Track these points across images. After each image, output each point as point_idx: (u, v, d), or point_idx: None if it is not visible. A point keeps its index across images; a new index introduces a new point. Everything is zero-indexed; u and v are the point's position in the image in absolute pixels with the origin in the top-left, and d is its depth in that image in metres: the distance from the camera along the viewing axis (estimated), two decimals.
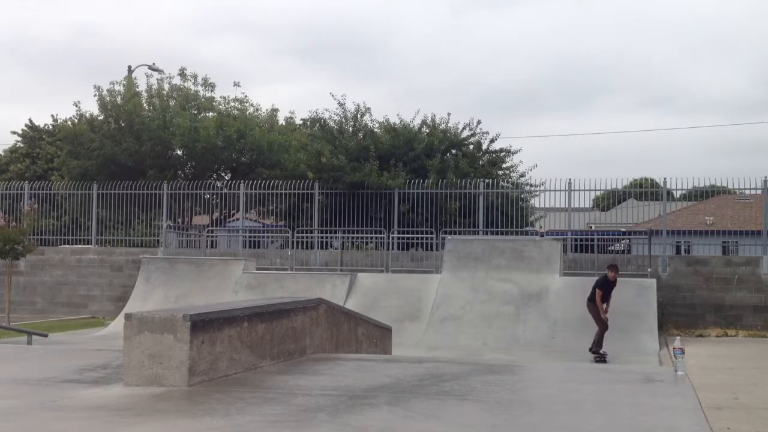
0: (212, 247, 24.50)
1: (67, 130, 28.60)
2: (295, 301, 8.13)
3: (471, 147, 26.89)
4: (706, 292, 19.87)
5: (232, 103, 29.03)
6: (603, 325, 14.77)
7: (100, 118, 27.89)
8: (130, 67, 35.20)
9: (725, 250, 24.47)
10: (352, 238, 24.39)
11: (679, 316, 19.46)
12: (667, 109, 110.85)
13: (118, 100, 27.68)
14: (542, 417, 5.24)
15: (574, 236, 22.59)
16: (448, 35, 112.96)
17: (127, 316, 6.20)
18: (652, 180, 34.85)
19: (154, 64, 34.33)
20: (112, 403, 5.45)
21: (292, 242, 22.54)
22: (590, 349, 14.65)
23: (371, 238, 23.77)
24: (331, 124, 27.93)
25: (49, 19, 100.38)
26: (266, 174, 25.82)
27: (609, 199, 27.96)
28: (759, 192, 21.38)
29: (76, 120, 28.67)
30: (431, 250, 22.62)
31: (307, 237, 23.43)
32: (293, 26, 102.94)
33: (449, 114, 41.35)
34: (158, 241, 24.34)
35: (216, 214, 28.08)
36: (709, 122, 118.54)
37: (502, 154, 27.34)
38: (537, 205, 24.79)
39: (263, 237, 27.37)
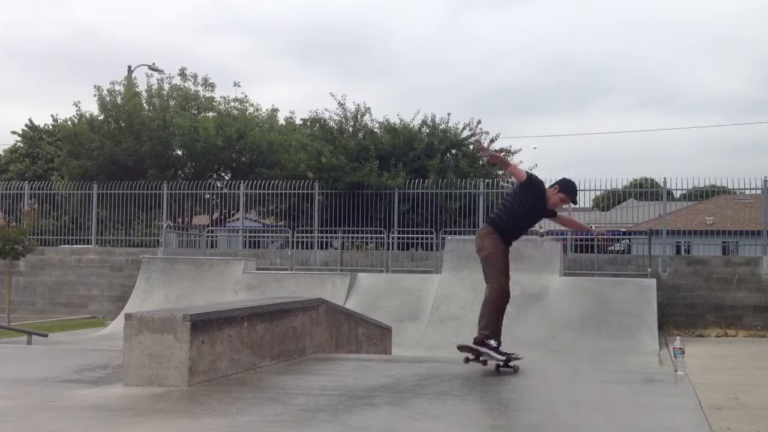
0: (212, 247, 24.51)
1: (67, 130, 28.60)
2: (295, 301, 8.13)
3: (471, 147, 26.91)
4: (706, 292, 19.87)
5: (232, 103, 29.05)
6: (498, 291, 7.08)
7: (100, 118, 27.90)
8: (130, 67, 35.24)
9: (725, 250, 24.48)
10: (352, 238, 24.40)
11: (679, 316, 19.46)
12: (667, 109, 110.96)
13: (118, 100, 27.68)
14: (542, 417, 5.24)
15: (574, 236, 22.60)
16: (448, 35, 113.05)
17: (127, 316, 6.19)
18: (652, 180, 34.86)
19: (154, 64, 34.36)
20: (112, 403, 5.44)
21: (292, 242, 22.54)
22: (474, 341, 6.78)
23: (371, 238, 23.77)
24: (331, 124, 27.95)
25: (48, 19, 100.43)
26: (266, 174, 25.83)
27: (609, 199, 27.95)
28: (759, 192, 21.38)
29: (76, 120, 28.67)
30: (431, 250, 22.62)
31: (307, 237, 23.43)
32: (293, 26, 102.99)
33: (449, 114, 41.46)
34: (158, 241, 24.35)
35: (216, 214, 28.08)
36: (709, 122, 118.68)
37: (502, 154, 27.36)
38: None
39: (263, 237, 27.37)
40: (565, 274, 18.72)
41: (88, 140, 27.06)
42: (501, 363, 6.68)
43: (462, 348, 6.75)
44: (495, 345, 6.69)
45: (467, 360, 6.69)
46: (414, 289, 18.60)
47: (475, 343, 6.70)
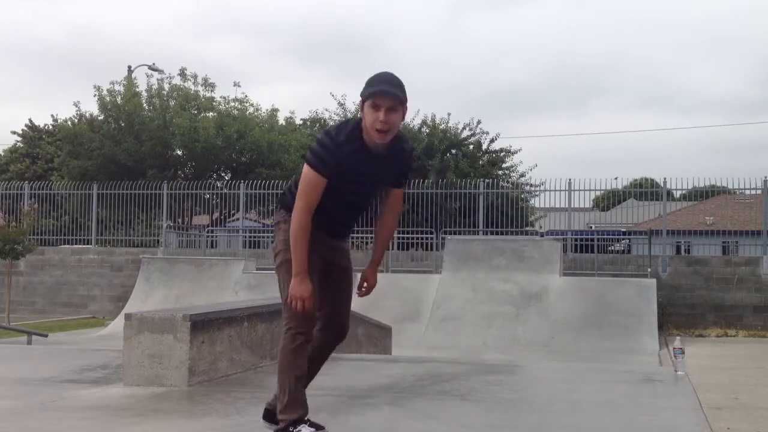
0: (212, 247, 24.50)
1: (67, 130, 28.60)
2: None
3: (471, 147, 26.92)
4: (706, 292, 19.87)
5: (232, 103, 29.06)
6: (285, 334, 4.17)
7: (100, 118, 27.91)
8: (130, 67, 35.21)
9: (725, 250, 24.48)
10: (352, 238, 24.38)
11: (679, 316, 19.46)
12: (667, 109, 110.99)
13: (118, 100, 27.68)
14: (542, 417, 5.24)
15: (574, 236, 22.60)
16: (448, 36, 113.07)
17: (127, 316, 6.19)
18: (652, 180, 34.86)
19: (154, 64, 34.34)
20: (112, 403, 5.44)
21: None
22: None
23: (371, 238, 23.75)
24: (331, 124, 27.97)
25: (48, 19, 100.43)
26: (266, 174, 25.83)
27: (609, 199, 27.95)
28: (759, 192, 21.37)
29: (76, 120, 28.69)
30: (431, 250, 22.61)
31: None
32: (293, 26, 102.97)
33: (449, 114, 41.55)
34: (158, 241, 24.34)
35: (216, 214, 28.08)
36: (709, 122, 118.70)
37: (502, 154, 27.38)
38: (537, 205, 24.83)
39: (263, 237, 27.37)
40: (565, 274, 18.72)
41: (88, 140, 27.06)
42: None
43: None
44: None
45: None
46: (414, 289, 18.59)
47: (265, 418, 4.43)
